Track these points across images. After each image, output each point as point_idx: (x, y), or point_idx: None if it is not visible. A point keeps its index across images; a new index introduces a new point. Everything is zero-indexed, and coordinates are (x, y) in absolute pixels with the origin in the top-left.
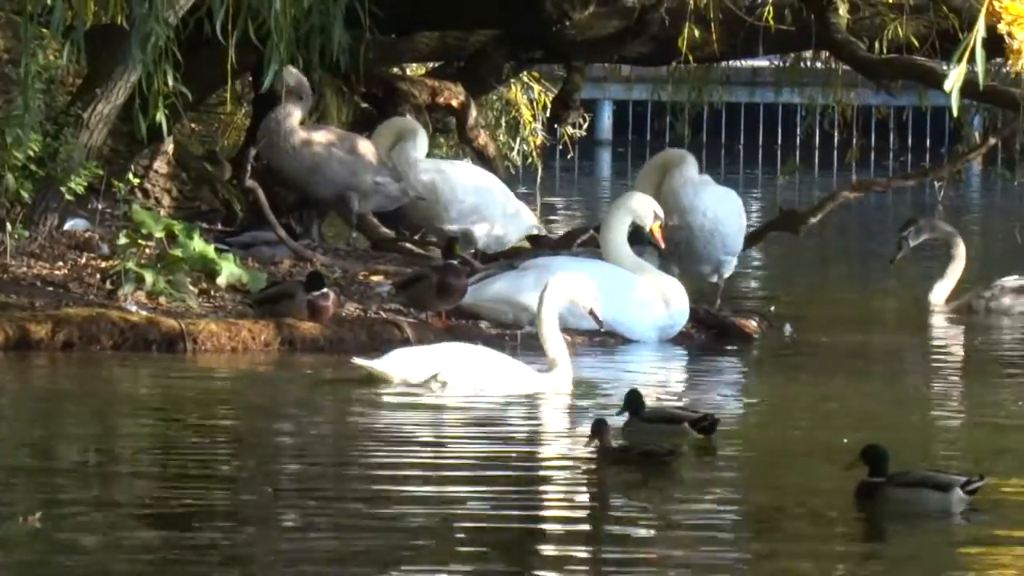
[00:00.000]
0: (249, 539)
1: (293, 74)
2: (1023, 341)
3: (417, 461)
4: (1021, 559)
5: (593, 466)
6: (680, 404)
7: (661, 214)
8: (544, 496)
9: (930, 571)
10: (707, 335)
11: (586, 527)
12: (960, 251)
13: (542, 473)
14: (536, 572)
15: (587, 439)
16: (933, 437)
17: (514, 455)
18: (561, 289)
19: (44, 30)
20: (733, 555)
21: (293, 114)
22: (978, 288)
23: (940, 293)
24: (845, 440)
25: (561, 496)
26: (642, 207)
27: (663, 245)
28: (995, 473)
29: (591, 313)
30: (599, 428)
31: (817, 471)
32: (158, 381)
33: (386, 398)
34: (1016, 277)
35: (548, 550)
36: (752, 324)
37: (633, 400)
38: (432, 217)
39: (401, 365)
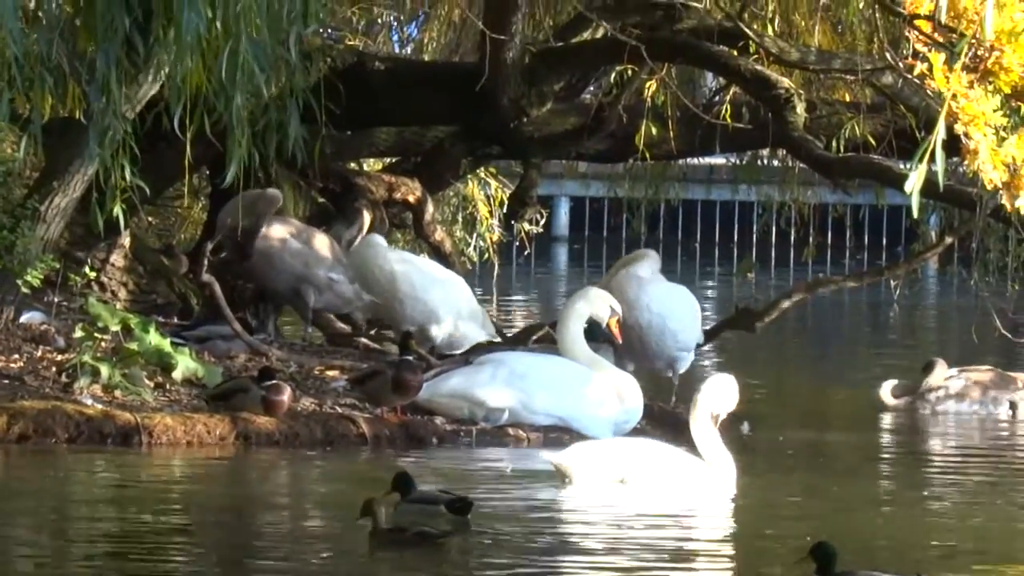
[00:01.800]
0: None
1: (272, 196)
2: (966, 441)
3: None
4: None
5: None
6: (441, 487)
7: (619, 309)
8: None
9: None
10: (662, 432)
11: None
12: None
13: None
14: None
15: (359, 517)
16: (881, 535)
17: None
18: (713, 393)
19: (1, 123)
20: None
21: (251, 209)
22: (924, 391)
23: (888, 391)
24: (808, 537)
25: None
26: (598, 302)
27: (619, 340)
28: (937, 571)
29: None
30: (371, 507)
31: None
32: (113, 476)
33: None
34: (957, 375)
35: None
36: None
37: (401, 481)
38: (390, 311)
39: (581, 461)
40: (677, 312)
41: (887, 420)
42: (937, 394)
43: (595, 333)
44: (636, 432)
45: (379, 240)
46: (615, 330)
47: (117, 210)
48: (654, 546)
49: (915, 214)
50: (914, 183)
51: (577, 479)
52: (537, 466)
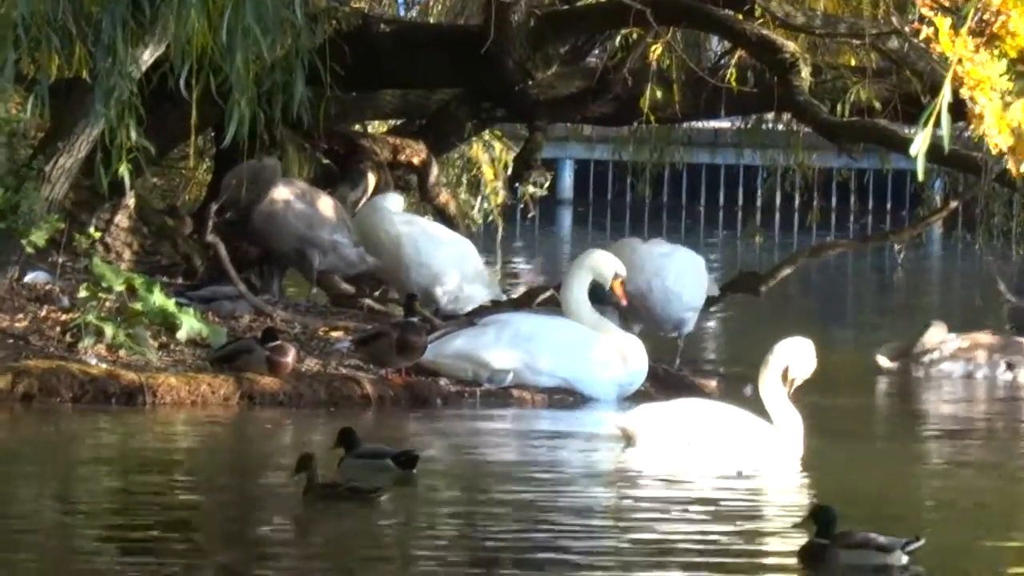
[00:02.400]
0: None
1: (271, 166)
2: (960, 402)
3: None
4: None
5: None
6: (384, 443)
7: (622, 271)
8: None
9: None
10: (665, 394)
11: None
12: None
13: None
14: None
15: (293, 472)
16: (877, 496)
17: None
18: (785, 353)
19: (6, 84)
20: None
21: (257, 170)
22: (918, 352)
23: (884, 354)
24: (813, 498)
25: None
26: (603, 264)
27: (624, 302)
28: (936, 530)
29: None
30: (306, 463)
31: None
32: (117, 435)
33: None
34: (951, 339)
35: None
36: (711, 384)
37: (345, 436)
38: (395, 273)
39: (647, 423)
40: (680, 273)
41: (885, 382)
42: (931, 356)
43: (600, 296)
44: (640, 395)
45: (384, 202)
46: (619, 291)
47: (123, 170)
48: (710, 510)
49: (920, 178)
50: (919, 147)
51: (642, 441)
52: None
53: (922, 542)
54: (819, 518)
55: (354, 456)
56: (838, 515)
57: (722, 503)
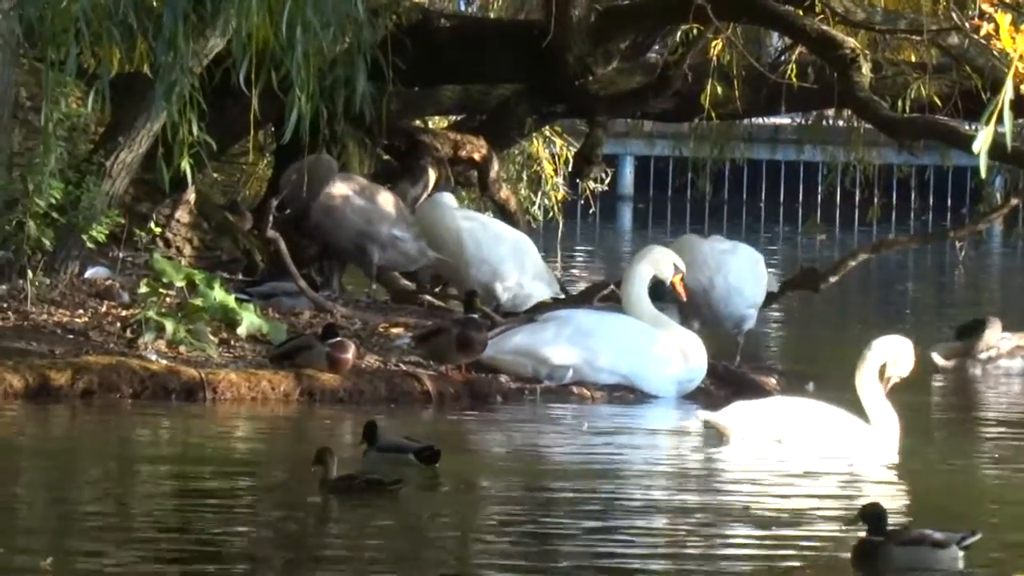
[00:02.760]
0: None
1: (327, 162)
2: (1017, 400)
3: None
4: None
5: None
6: (407, 436)
7: (682, 267)
8: None
9: None
10: (725, 391)
11: None
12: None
13: None
14: None
15: (313, 465)
16: (934, 492)
17: None
18: (883, 350)
19: (67, 78)
20: None
21: (315, 168)
22: (972, 350)
23: (942, 353)
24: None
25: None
26: (663, 261)
27: (684, 298)
28: (991, 527)
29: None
30: (322, 456)
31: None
32: (177, 432)
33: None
34: (1008, 336)
35: None
36: (772, 381)
37: (370, 431)
38: (455, 270)
39: (740, 420)
40: (741, 271)
41: (942, 380)
42: (989, 353)
43: (660, 292)
44: (699, 391)
45: (446, 198)
46: (679, 288)
47: (185, 165)
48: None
49: (983, 174)
50: (982, 144)
51: (735, 438)
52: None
53: (978, 536)
54: (870, 516)
55: (377, 450)
56: (887, 513)
57: (788, 502)
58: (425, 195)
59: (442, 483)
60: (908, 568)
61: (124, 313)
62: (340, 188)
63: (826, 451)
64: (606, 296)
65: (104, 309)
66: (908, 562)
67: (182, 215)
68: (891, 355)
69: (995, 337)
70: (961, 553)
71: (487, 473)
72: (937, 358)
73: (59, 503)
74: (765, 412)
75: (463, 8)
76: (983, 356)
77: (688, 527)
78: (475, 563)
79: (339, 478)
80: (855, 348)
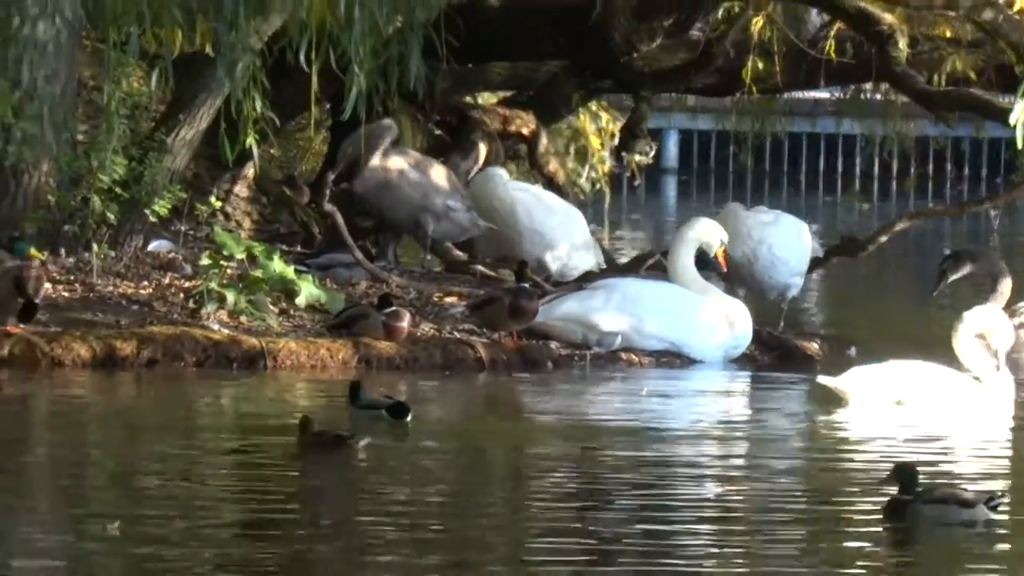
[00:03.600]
0: (328, 553)
1: (388, 126)
2: None
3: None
4: None
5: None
6: (386, 393)
7: (726, 239)
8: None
9: None
10: (770, 356)
11: None
12: (1005, 286)
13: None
14: None
15: (299, 431)
16: (966, 455)
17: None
18: (976, 321)
19: (129, 58)
20: None
21: (376, 141)
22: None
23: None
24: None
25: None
26: (708, 232)
27: (724, 269)
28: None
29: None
30: (306, 426)
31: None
32: (239, 400)
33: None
34: None
35: None
36: (814, 347)
37: (353, 390)
38: (507, 241)
39: (859, 384)
40: (785, 240)
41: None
42: (1020, 319)
43: (706, 261)
44: (744, 357)
45: (499, 171)
46: (722, 259)
47: (250, 140)
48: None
49: (1019, 145)
50: (1018, 116)
51: (854, 400)
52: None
53: (1005, 498)
54: (901, 476)
55: (357, 407)
56: (918, 472)
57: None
58: (476, 168)
59: (494, 445)
60: (936, 524)
61: (186, 284)
62: (396, 162)
63: (948, 411)
64: (652, 265)
65: (167, 281)
66: (935, 519)
67: (241, 190)
68: (984, 326)
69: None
70: (989, 513)
71: (538, 436)
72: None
73: (125, 469)
74: (883, 375)
75: None
76: (1015, 321)
77: (733, 478)
78: (526, 524)
79: (313, 434)
80: (895, 314)
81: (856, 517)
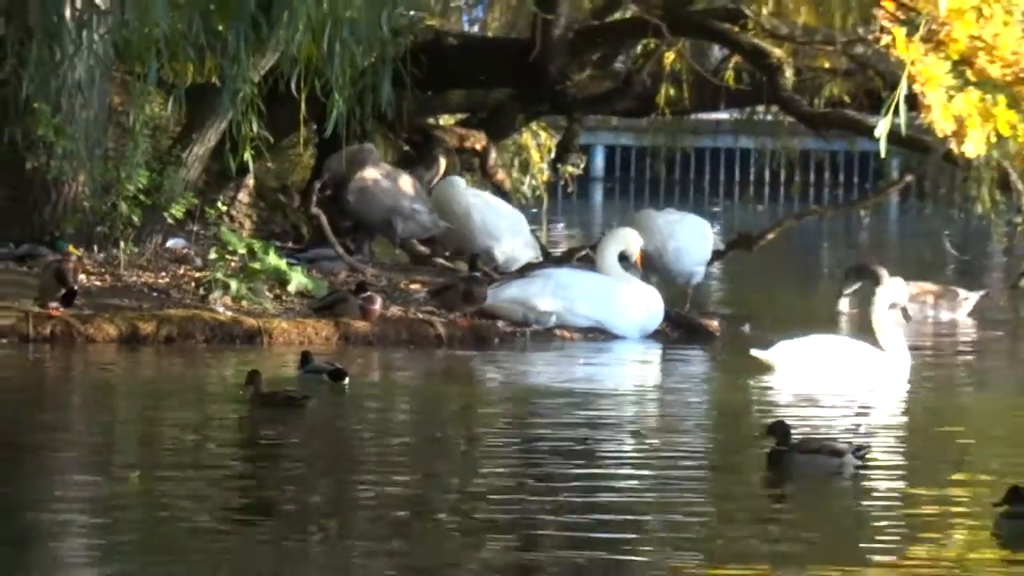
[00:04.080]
0: (321, 501)
1: (369, 150)
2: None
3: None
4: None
5: None
6: (327, 360)
7: (642, 245)
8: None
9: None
10: (678, 332)
11: None
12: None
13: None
14: None
15: (244, 384)
16: (838, 413)
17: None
18: (890, 293)
19: (150, 88)
20: None
21: (356, 158)
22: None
23: (846, 301)
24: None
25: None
26: (630, 240)
27: (641, 270)
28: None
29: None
30: (253, 377)
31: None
32: (242, 370)
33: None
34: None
35: None
36: (715, 324)
37: (304, 358)
38: (462, 238)
39: (786, 355)
40: (689, 236)
41: (847, 324)
42: (891, 301)
43: (625, 257)
44: (657, 333)
45: (457, 180)
46: (639, 263)
47: (247, 156)
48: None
49: (882, 155)
50: (882, 132)
51: (781, 369)
52: None
53: (870, 449)
54: (777, 431)
55: (304, 372)
56: (790, 428)
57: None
58: (437, 178)
59: (450, 408)
60: (809, 473)
61: (197, 275)
62: (371, 173)
63: (858, 376)
64: (582, 257)
65: (181, 272)
66: (809, 468)
67: (243, 196)
68: (895, 294)
69: (891, 287)
70: (857, 462)
71: (486, 397)
72: (843, 304)
73: (147, 429)
74: (806, 347)
75: (467, 28)
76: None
77: (644, 433)
78: (481, 466)
79: (264, 394)
80: (781, 297)
81: (745, 463)
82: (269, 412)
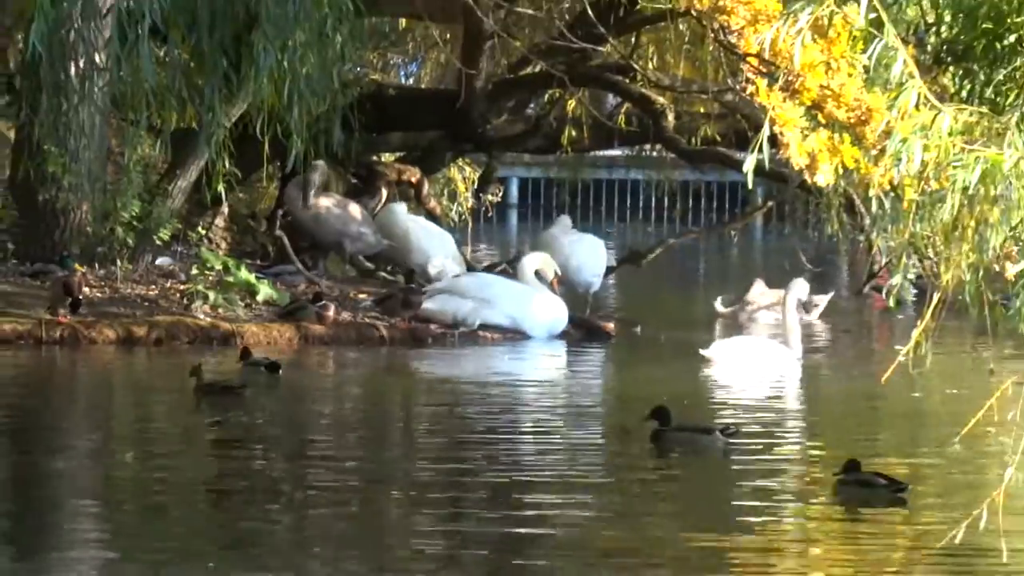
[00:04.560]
0: (280, 475)
1: (322, 164)
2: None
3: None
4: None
5: None
6: (265, 356)
7: (559, 272)
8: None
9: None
10: (580, 333)
11: None
12: (755, 289)
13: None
14: None
15: (190, 375)
16: (717, 398)
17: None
18: (798, 290)
19: (141, 132)
20: None
21: (308, 187)
22: (742, 303)
23: (720, 304)
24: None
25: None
26: (546, 264)
27: (556, 290)
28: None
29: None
30: (196, 370)
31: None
32: (221, 366)
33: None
34: (767, 292)
35: None
36: (611, 326)
37: (244, 353)
38: (401, 255)
39: (720, 352)
40: (587, 252)
41: (722, 326)
42: (752, 306)
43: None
44: (564, 334)
45: (398, 206)
46: (555, 285)
47: (220, 188)
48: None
49: (749, 186)
50: (748, 166)
51: (717, 364)
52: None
53: (737, 430)
54: (659, 414)
55: (246, 365)
56: (671, 411)
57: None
58: (380, 206)
59: (393, 396)
60: (684, 448)
61: (181, 287)
62: (324, 202)
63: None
64: (500, 272)
65: (169, 285)
66: (683, 444)
67: (219, 222)
68: (804, 293)
69: (756, 294)
70: (723, 440)
71: (422, 386)
72: (718, 307)
73: (140, 418)
74: (735, 346)
75: (404, 81)
76: (749, 308)
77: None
78: (419, 442)
79: (207, 384)
80: (665, 303)
81: (634, 439)
82: (211, 399)
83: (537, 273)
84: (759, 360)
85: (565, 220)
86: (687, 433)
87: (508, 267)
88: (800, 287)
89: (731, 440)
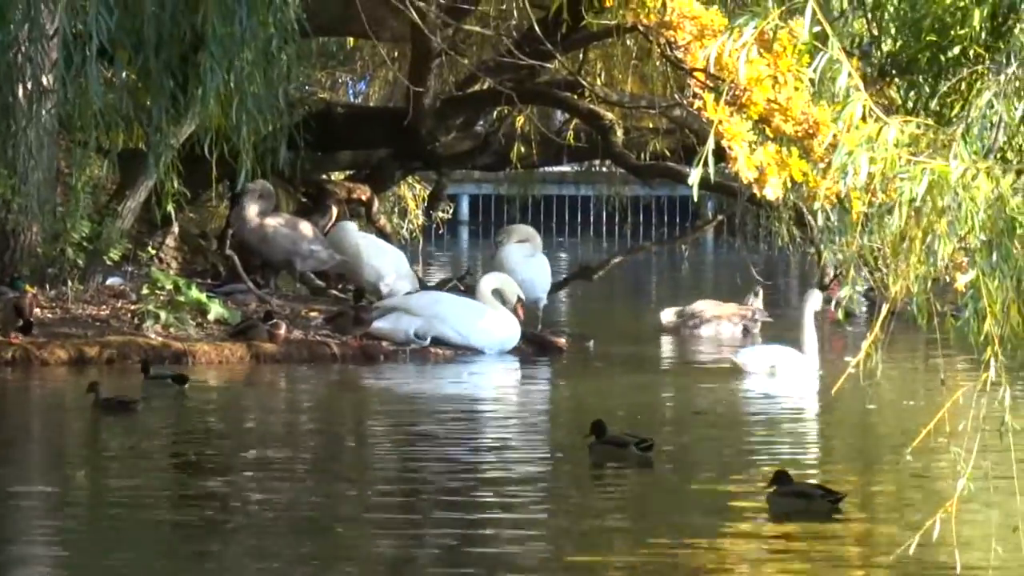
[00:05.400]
0: (239, 487)
1: (261, 183)
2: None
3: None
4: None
5: None
6: (176, 371)
7: (521, 295)
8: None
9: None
10: (532, 348)
11: None
12: (698, 304)
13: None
14: None
15: (87, 391)
16: (652, 410)
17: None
18: (816, 300)
19: (90, 153)
20: None
21: (250, 207)
22: (686, 316)
23: (665, 317)
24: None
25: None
26: (508, 287)
27: (521, 317)
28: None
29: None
30: (93, 387)
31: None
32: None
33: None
34: (712, 306)
35: None
36: (562, 340)
37: (145, 365)
38: (352, 272)
39: (749, 358)
40: (535, 270)
41: (666, 339)
42: (695, 320)
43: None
44: (515, 349)
45: (349, 224)
46: (520, 311)
47: (170, 208)
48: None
49: (695, 199)
50: (695, 179)
51: (747, 370)
52: None
53: (651, 443)
54: (596, 429)
55: (148, 378)
56: (607, 426)
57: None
58: (330, 224)
59: (341, 410)
60: (606, 460)
61: (132, 307)
62: (272, 221)
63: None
64: (452, 287)
65: (120, 305)
66: (605, 456)
67: (169, 241)
68: (818, 303)
69: (699, 307)
70: (637, 451)
71: (372, 401)
72: (664, 319)
73: (91, 434)
74: (763, 353)
75: (352, 99)
76: (691, 322)
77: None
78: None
79: (104, 399)
80: (616, 317)
81: (576, 450)
82: (106, 414)
83: (496, 292)
84: (785, 367)
85: (521, 229)
86: (608, 447)
87: (459, 283)
88: (816, 298)
89: (646, 453)
